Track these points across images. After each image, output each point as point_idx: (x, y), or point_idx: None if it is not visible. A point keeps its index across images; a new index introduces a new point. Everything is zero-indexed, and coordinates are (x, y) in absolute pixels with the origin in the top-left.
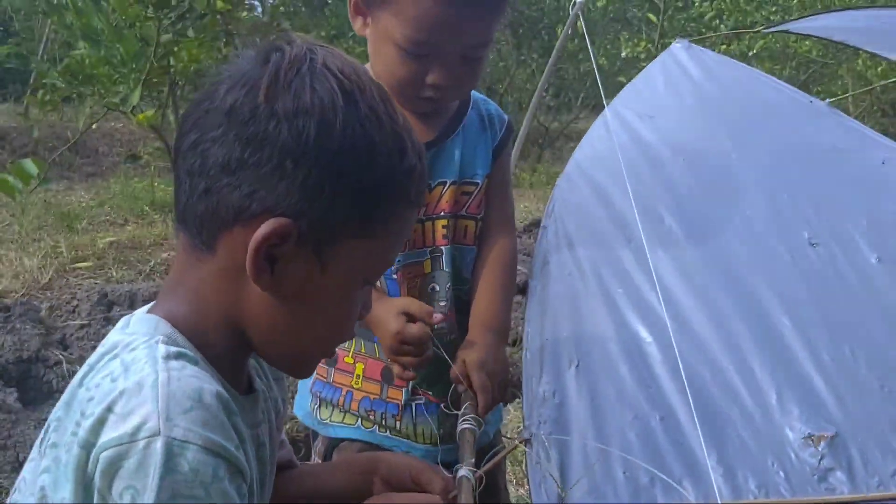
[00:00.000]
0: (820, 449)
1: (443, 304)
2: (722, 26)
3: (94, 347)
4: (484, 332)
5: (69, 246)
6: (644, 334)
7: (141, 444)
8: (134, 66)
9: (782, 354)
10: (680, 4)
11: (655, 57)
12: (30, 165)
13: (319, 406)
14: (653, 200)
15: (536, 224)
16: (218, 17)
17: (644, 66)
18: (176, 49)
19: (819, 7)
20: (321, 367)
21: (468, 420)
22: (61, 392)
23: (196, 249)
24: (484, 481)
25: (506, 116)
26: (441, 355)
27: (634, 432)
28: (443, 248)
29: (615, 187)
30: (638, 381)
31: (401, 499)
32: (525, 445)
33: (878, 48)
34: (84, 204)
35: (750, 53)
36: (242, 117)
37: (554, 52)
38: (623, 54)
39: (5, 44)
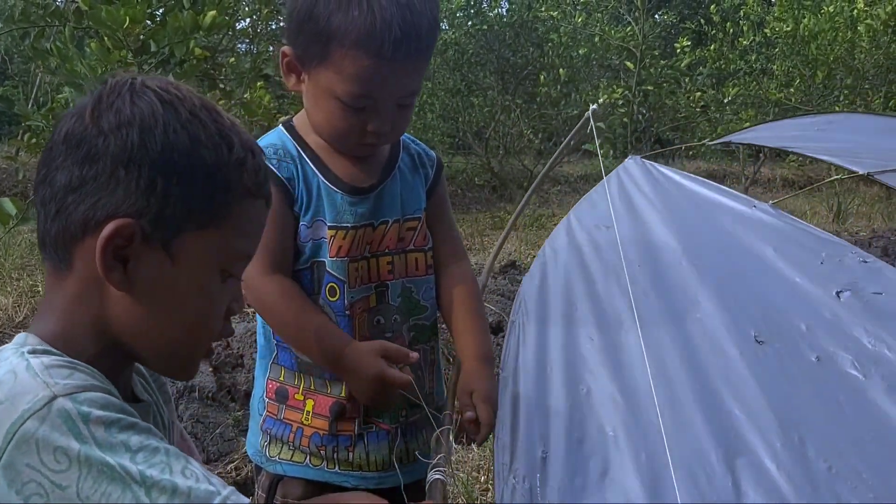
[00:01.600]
0: None
1: (388, 335)
2: (698, 76)
3: None
4: (480, 364)
5: None
6: (606, 426)
7: (42, 412)
8: None
9: (736, 443)
10: (657, 53)
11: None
12: (8, 205)
13: (269, 443)
14: (611, 303)
15: (513, 265)
16: (200, 62)
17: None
18: None
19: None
20: (272, 405)
21: (438, 470)
22: None
23: (58, 270)
24: None
25: (433, 154)
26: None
27: None
28: (388, 283)
29: (576, 290)
30: (601, 471)
31: None
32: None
33: (811, 151)
34: None
35: (726, 100)
36: (75, 141)
37: (558, 150)
38: (600, 100)
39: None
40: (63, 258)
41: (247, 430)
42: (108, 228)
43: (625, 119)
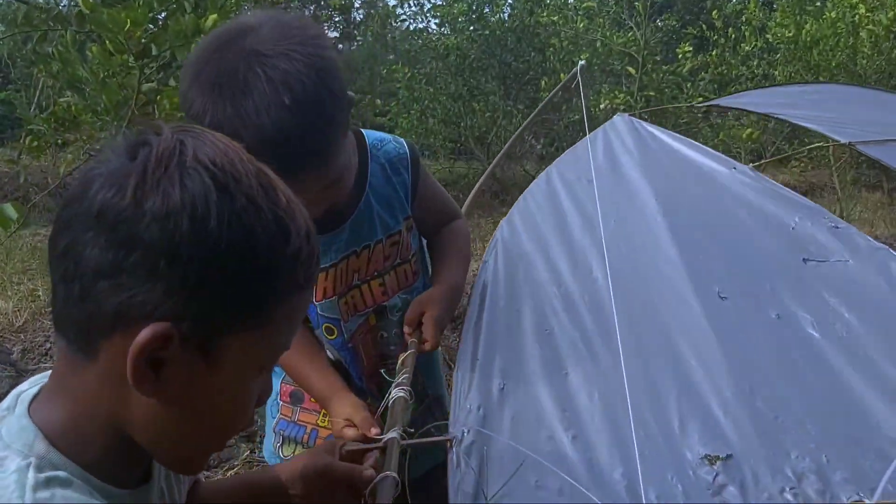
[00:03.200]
0: (715, 468)
1: (392, 347)
2: (700, 82)
3: None
4: (443, 289)
5: (48, 290)
6: (566, 365)
7: None
8: (116, 113)
9: (688, 389)
10: (658, 58)
11: (635, 108)
12: (9, 209)
13: (282, 444)
14: (583, 252)
15: None
16: None
17: None
18: (158, 98)
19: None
20: (286, 407)
21: (402, 388)
22: None
23: (75, 356)
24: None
25: (405, 149)
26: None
27: (548, 448)
28: (385, 304)
29: (550, 237)
30: (556, 406)
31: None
32: (449, 447)
33: (796, 118)
34: None
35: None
36: (112, 220)
37: (544, 101)
38: (602, 106)
39: (3, 90)
40: (83, 348)
41: (247, 436)
42: (145, 335)
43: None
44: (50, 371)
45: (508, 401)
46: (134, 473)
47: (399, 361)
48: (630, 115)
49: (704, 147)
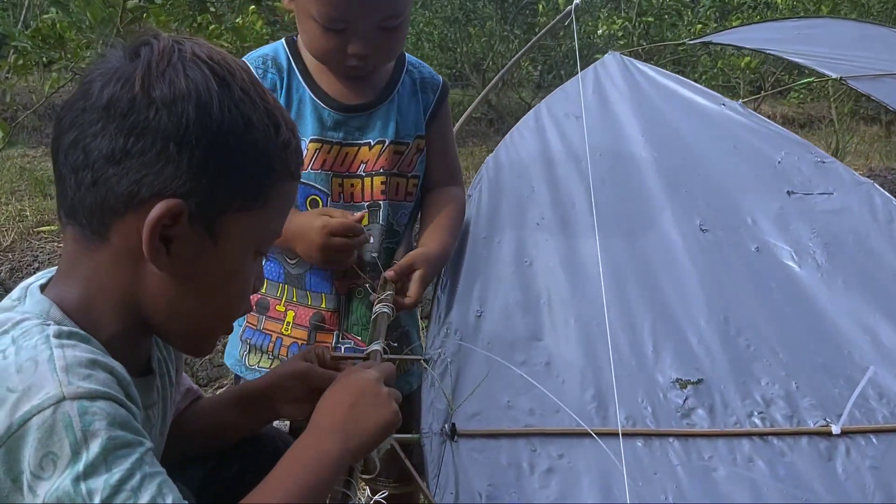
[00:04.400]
0: (686, 392)
1: (374, 254)
2: (701, 9)
3: None
4: (435, 252)
5: (35, 210)
6: (543, 294)
7: (48, 412)
8: (101, 31)
9: (664, 316)
10: None
11: (633, 35)
12: None
13: (248, 352)
14: (568, 186)
15: None
16: None
17: (622, 44)
18: (144, 15)
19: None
20: (252, 316)
21: (386, 304)
22: None
23: (87, 240)
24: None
25: (440, 79)
26: (368, 292)
27: (523, 370)
28: (381, 202)
29: (535, 172)
30: (530, 333)
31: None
32: (425, 365)
33: (788, 54)
34: None
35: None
36: (121, 109)
37: (536, 37)
38: (600, 32)
39: None
40: (97, 230)
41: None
42: (158, 209)
43: (625, 52)
44: (54, 268)
45: (484, 326)
46: (138, 363)
47: (381, 279)
48: (623, 53)
49: (695, 84)
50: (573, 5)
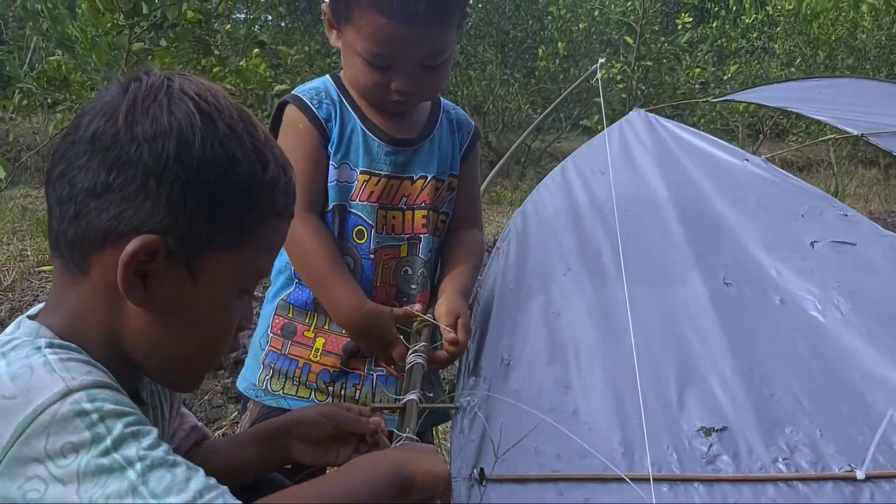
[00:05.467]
0: (710, 439)
1: (413, 286)
2: (699, 53)
3: None
4: (464, 298)
5: (36, 250)
6: (570, 343)
7: (56, 406)
8: (106, 73)
9: (689, 366)
10: (657, 28)
11: (632, 79)
12: None
13: (271, 377)
14: (594, 239)
15: None
16: (192, 27)
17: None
18: (149, 58)
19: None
20: (276, 340)
21: (419, 354)
22: None
23: (70, 272)
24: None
25: (472, 123)
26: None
27: (551, 418)
28: (422, 236)
29: (562, 226)
30: (558, 381)
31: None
32: (454, 413)
33: (809, 112)
34: None
35: (725, 77)
36: (104, 143)
37: (562, 96)
38: (598, 76)
39: None
40: (78, 263)
41: (235, 398)
42: (134, 244)
43: (623, 95)
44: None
45: (513, 375)
46: (127, 393)
47: (414, 330)
48: (623, 95)
49: (718, 140)
50: (598, 64)
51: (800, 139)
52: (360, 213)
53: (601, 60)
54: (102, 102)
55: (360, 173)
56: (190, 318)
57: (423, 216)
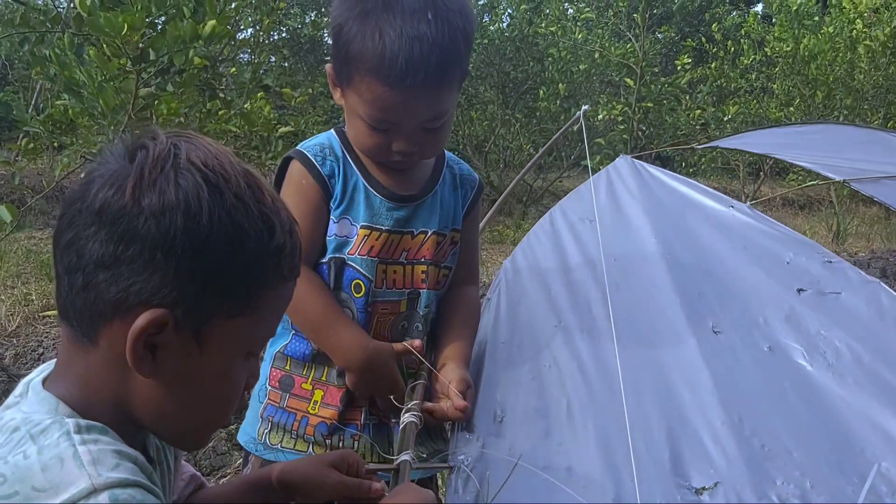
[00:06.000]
0: (701, 497)
1: (406, 340)
2: (699, 94)
3: None
4: (456, 365)
5: (41, 294)
6: (562, 398)
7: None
8: (113, 118)
9: (680, 420)
10: (657, 70)
11: (632, 119)
12: (3, 212)
13: (270, 430)
14: (584, 290)
15: None
16: (199, 72)
17: (622, 129)
18: (156, 103)
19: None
20: (274, 393)
21: (413, 413)
22: None
23: (79, 340)
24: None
25: (476, 177)
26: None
27: (545, 476)
28: (422, 291)
29: (552, 276)
30: (552, 437)
31: None
32: (448, 473)
33: (793, 158)
34: None
35: (726, 118)
36: (112, 216)
37: (546, 145)
38: (600, 116)
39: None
40: (87, 333)
41: (239, 445)
42: (143, 319)
43: (624, 136)
44: (54, 360)
45: (506, 431)
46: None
47: (409, 388)
48: (625, 136)
49: (704, 186)
50: (581, 111)
51: (800, 178)
52: (358, 267)
53: (585, 107)
54: (110, 171)
55: (361, 228)
56: (198, 385)
57: (423, 271)
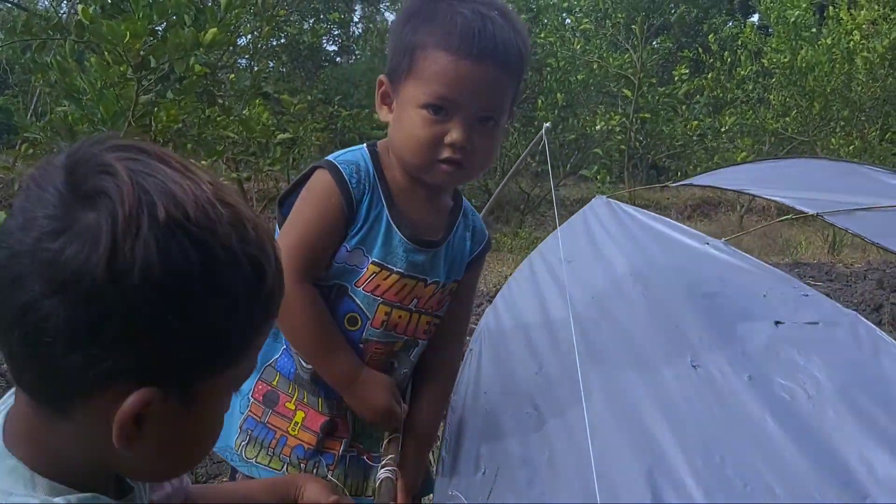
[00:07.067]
0: None
1: (398, 378)
2: (696, 105)
3: None
4: (421, 447)
5: None
6: (545, 447)
7: None
8: (113, 124)
9: (661, 462)
10: (654, 81)
11: (629, 129)
12: (3, 218)
13: (247, 443)
14: (564, 332)
15: None
16: (198, 78)
17: (619, 139)
18: (156, 110)
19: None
20: (256, 406)
21: (388, 469)
22: None
23: (44, 413)
24: None
25: (486, 234)
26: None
27: None
28: (420, 341)
29: (532, 320)
30: (534, 488)
31: None
32: None
33: (767, 194)
34: None
35: (723, 129)
36: (83, 291)
37: (513, 167)
38: (598, 127)
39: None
40: (56, 409)
41: None
42: (132, 403)
43: (622, 146)
44: (10, 395)
45: (490, 485)
46: (116, 484)
47: (385, 442)
48: (622, 148)
49: (678, 224)
50: (543, 129)
51: None
52: (359, 302)
53: (546, 125)
54: (52, 214)
55: (372, 263)
56: (185, 438)
57: (428, 322)
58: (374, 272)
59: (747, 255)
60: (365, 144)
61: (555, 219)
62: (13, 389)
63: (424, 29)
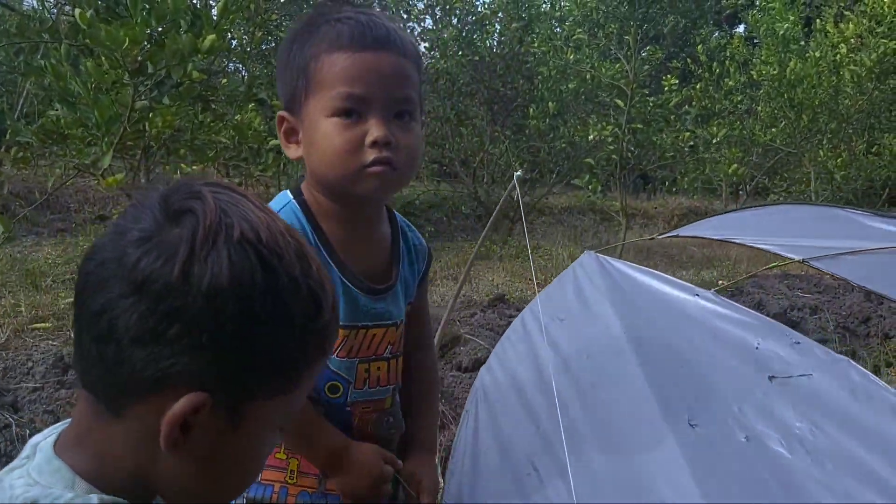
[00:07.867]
0: None
1: (392, 431)
2: (686, 116)
3: (45, 411)
4: (428, 456)
5: (30, 305)
6: None
7: None
8: (108, 129)
9: None
10: (646, 91)
11: (622, 140)
12: None
13: None
14: (560, 391)
15: (501, 299)
16: (195, 84)
17: (611, 149)
18: (151, 115)
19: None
20: None
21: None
22: (9, 456)
23: (101, 411)
24: None
25: (426, 247)
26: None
27: None
28: (401, 383)
29: (527, 378)
30: None
31: None
32: None
33: (752, 242)
34: (50, 261)
35: (714, 140)
36: (157, 291)
37: (493, 215)
38: (591, 137)
39: None
40: (112, 407)
41: None
42: (183, 404)
43: (613, 156)
44: (67, 421)
45: None
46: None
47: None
48: (615, 156)
49: (668, 277)
50: (516, 177)
51: (781, 197)
52: (336, 370)
53: (517, 173)
54: (147, 230)
55: (341, 328)
56: (227, 461)
57: (401, 361)
58: (345, 336)
59: (736, 304)
60: (289, 193)
61: (542, 228)
62: (65, 421)
63: (311, 42)
